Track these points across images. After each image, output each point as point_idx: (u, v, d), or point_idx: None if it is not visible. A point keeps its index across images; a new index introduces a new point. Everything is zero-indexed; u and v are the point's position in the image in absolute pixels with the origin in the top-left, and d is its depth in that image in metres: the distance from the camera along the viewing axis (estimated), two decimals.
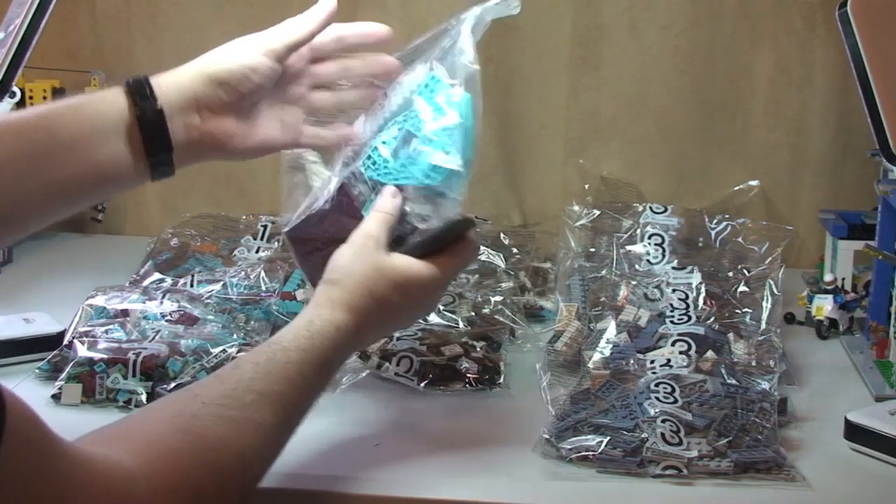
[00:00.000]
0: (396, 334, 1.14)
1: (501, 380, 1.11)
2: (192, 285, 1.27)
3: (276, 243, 1.37)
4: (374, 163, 0.97)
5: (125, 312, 1.18)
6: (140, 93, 0.91)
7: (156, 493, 0.69)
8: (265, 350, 0.84)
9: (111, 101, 0.91)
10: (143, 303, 1.20)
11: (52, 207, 0.92)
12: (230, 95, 0.94)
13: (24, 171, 0.87)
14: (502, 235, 1.41)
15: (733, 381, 1.02)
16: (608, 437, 0.94)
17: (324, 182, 1.01)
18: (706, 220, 1.30)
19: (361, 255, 0.91)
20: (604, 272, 1.24)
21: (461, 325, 1.17)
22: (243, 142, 0.97)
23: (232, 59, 0.95)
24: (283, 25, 0.99)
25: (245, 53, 0.96)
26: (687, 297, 1.16)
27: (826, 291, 1.28)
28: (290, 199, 1.02)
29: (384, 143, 0.98)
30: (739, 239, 1.28)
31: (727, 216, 1.31)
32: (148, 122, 0.91)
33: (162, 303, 1.20)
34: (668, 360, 1.05)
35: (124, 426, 0.76)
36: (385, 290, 0.90)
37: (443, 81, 0.99)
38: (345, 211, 0.97)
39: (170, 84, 0.93)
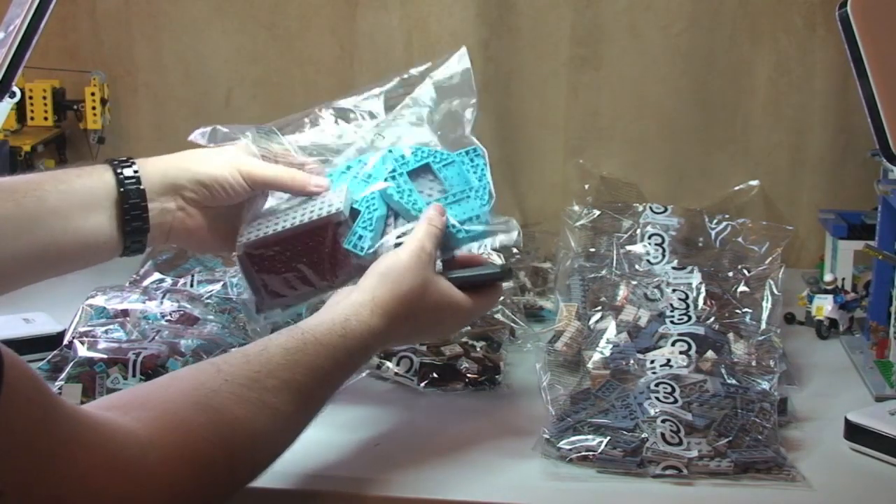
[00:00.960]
0: None
1: (501, 380, 1.11)
2: (192, 285, 1.27)
3: None
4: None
5: (125, 312, 1.18)
6: (125, 173, 0.98)
7: (164, 461, 0.69)
8: (297, 337, 0.84)
9: (99, 177, 0.97)
10: (143, 303, 1.20)
11: (28, 272, 0.96)
12: (204, 197, 1.01)
13: (10, 233, 0.91)
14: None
15: (733, 381, 1.02)
16: (608, 437, 0.94)
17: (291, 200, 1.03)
18: (706, 220, 1.30)
19: (416, 266, 0.93)
20: (604, 272, 1.24)
21: None
22: (211, 237, 1.03)
23: (218, 169, 1.01)
24: (273, 167, 1.04)
25: (230, 169, 1.01)
26: (687, 297, 1.16)
27: (826, 291, 1.28)
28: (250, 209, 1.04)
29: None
30: (739, 239, 1.28)
31: (727, 216, 1.31)
32: (130, 200, 0.97)
33: (162, 303, 1.20)
34: (668, 360, 1.05)
35: (143, 393, 0.77)
36: (426, 307, 0.93)
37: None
38: (320, 240, 0.99)
39: (155, 169, 1.00)
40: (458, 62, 1.09)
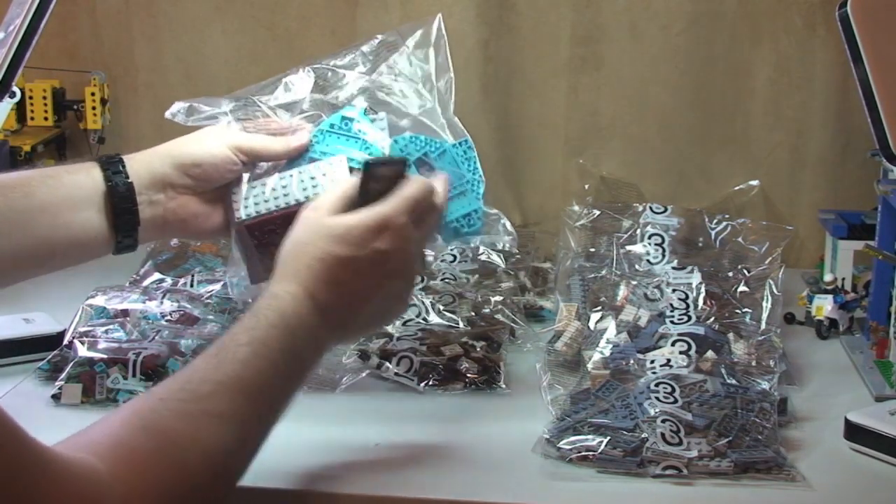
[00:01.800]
0: (396, 333, 1.14)
1: (501, 380, 1.11)
2: (192, 285, 1.27)
3: None
4: None
5: (125, 312, 1.18)
6: (113, 168, 0.98)
7: (128, 496, 0.68)
8: (216, 343, 0.82)
9: (87, 173, 0.97)
10: (143, 303, 1.20)
11: (21, 269, 0.96)
12: (195, 181, 1.00)
13: (1, 231, 0.91)
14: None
15: (733, 381, 1.02)
16: (608, 437, 0.94)
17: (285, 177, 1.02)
18: (706, 220, 1.30)
19: (301, 227, 0.88)
20: (604, 272, 1.24)
21: (461, 325, 1.17)
22: (205, 222, 1.02)
23: (201, 150, 1.00)
24: (258, 137, 1.03)
25: (214, 146, 1.00)
26: (687, 297, 1.16)
27: (826, 291, 1.28)
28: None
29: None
30: (739, 239, 1.27)
31: (727, 216, 1.31)
32: (118, 194, 0.97)
33: (162, 303, 1.20)
34: (668, 360, 1.05)
35: (93, 430, 0.75)
36: (326, 245, 0.85)
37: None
38: None
39: (141, 163, 1.00)
40: (434, 30, 1.09)
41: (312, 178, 1.00)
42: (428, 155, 1.03)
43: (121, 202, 0.97)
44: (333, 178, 0.99)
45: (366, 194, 0.89)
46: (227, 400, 0.77)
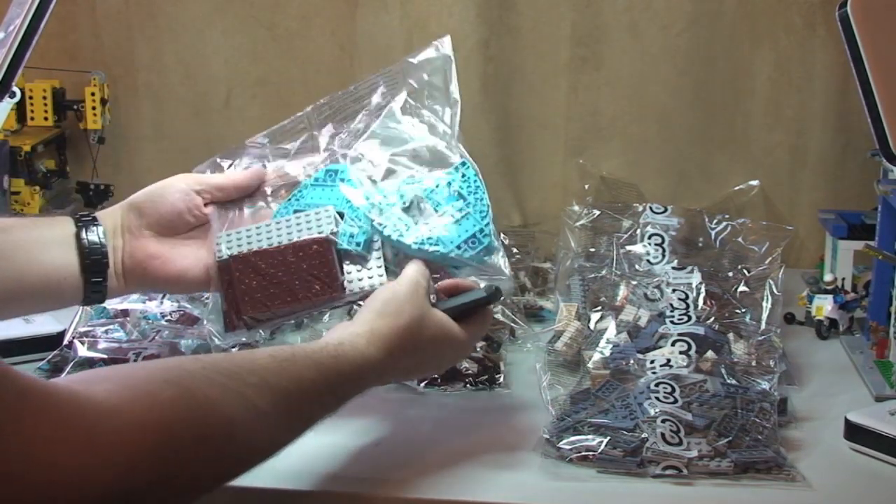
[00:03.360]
0: None
1: (501, 380, 1.11)
2: None
3: None
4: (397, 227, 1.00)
5: (125, 312, 1.18)
6: (83, 217, 0.99)
7: (124, 429, 0.64)
8: (288, 349, 0.84)
9: (60, 219, 0.99)
10: (143, 303, 1.20)
11: None
12: (146, 215, 1.01)
13: None
14: (502, 235, 1.41)
15: (733, 381, 1.02)
16: (608, 437, 0.94)
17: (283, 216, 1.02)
18: (706, 220, 1.30)
19: (415, 298, 0.92)
20: (604, 272, 1.24)
21: None
22: (164, 265, 1.00)
23: (157, 188, 1.02)
24: (216, 175, 1.06)
25: (164, 181, 1.03)
26: (687, 297, 1.16)
27: (826, 291, 1.28)
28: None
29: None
30: (739, 239, 1.28)
31: (727, 216, 1.31)
32: (89, 241, 0.97)
33: (162, 303, 1.20)
34: (668, 360, 1.05)
35: (111, 369, 0.74)
36: (425, 340, 0.92)
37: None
38: (306, 256, 0.98)
39: (105, 216, 1.01)
40: (439, 52, 1.06)
41: (297, 225, 1.00)
42: (422, 196, 1.02)
43: (90, 249, 0.97)
44: (320, 226, 0.99)
45: (453, 308, 0.96)
46: (270, 401, 0.76)
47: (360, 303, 0.97)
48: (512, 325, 1.22)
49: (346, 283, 0.98)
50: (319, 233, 0.98)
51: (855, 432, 0.98)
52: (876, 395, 1.09)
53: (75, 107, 1.54)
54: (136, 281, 1.00)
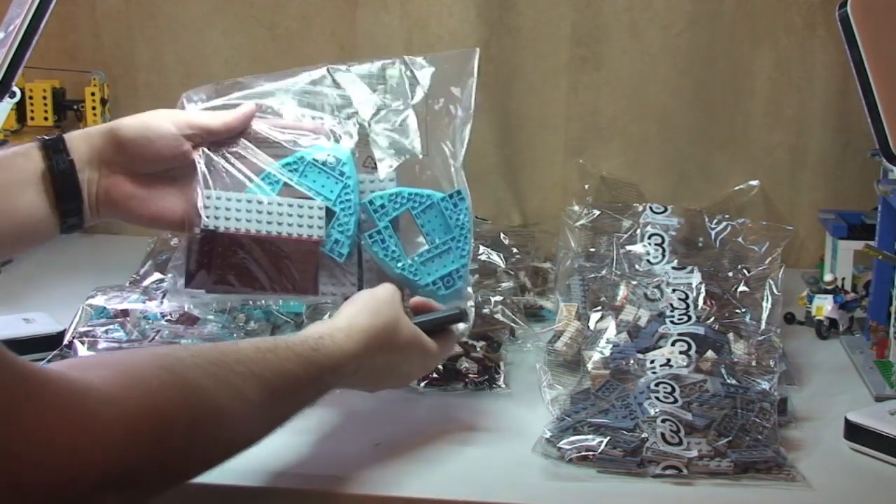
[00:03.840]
0: None
1: (501, 380, 1.11)
2: None
3: None
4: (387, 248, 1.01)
5: (125, 312, 1.18)
6: (53, 147, 0.96)
7: (122, 416, 0.66)
8: (270, 340, 0.85)
9: (27, 155, 0.95)
10: (143, 303, 1.20)
11: None
12: (130, 158, 0.97)
13: None
14: (502, 235, 1.41)
15: (733, 381, 1.02)
16: (608, 437, 0.94)
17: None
18: (706, 220, 1.30)
19: (392, 303, 0.94)
20: (604, 272, 1.24)
21: None
22: (139, 207, 0.98)
23: (137, 122, 0.99)
24: (204, 112, 1.02)
25: (152, 119, 0.99)
26: (687, 297, 1.16)
27: (826, 291, 1.28)
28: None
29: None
30: (739, 239, 1.28)
31: (727, 216, 1.31)
32: (59, 172, 0.95)
33: (162, 303, 1.20)
34: (668, 360, 1.05)
35: (107, 355, 0.76)
36: (399, 344, 0.93)
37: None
38: (299, 257, 0.99)
39: (81, 139, 0.97)
40: (466, 65, 1.05)
41: (289, 215, 0.99)
42: (411, 211, 1.02)
43: (61, 180, 0.95)
44: (310, 225, 0.99)
45: (423, 323, 0.98)
46: (255, 389, 0.78)
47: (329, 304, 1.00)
48: (512, 325, 1.22)
49: (320, 285, 1.00)
50: (309, 233, 0.99)
51: (855, 432, 0.98)
52: (876, 395, 1.09)
53: (75, 107, 1.55)
54: (109, 215, 0.99)
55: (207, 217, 0.98)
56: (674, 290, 1.17)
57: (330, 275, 1.01)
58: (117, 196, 0.98)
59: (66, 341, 1.13)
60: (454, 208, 1.03)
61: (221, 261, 0.98)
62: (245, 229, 0.98)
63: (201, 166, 0.99)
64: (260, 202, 0.99)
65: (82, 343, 1.10)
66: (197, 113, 1.02)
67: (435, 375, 1.10)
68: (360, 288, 1.00)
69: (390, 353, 0.93)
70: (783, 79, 1.48)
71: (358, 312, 0.92)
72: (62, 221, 0.96)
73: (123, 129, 0.98)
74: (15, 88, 1.14)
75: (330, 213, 1.00)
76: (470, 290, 1.04)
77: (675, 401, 0.98)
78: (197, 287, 0.99)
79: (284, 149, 1.02)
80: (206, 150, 1.00)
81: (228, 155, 1.01)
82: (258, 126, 1.03)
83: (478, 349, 1.14)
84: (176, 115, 1.00)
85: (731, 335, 1.11)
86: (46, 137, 0.96)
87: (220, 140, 1.01)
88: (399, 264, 1.01)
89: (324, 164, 1.02)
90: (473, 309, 1.03)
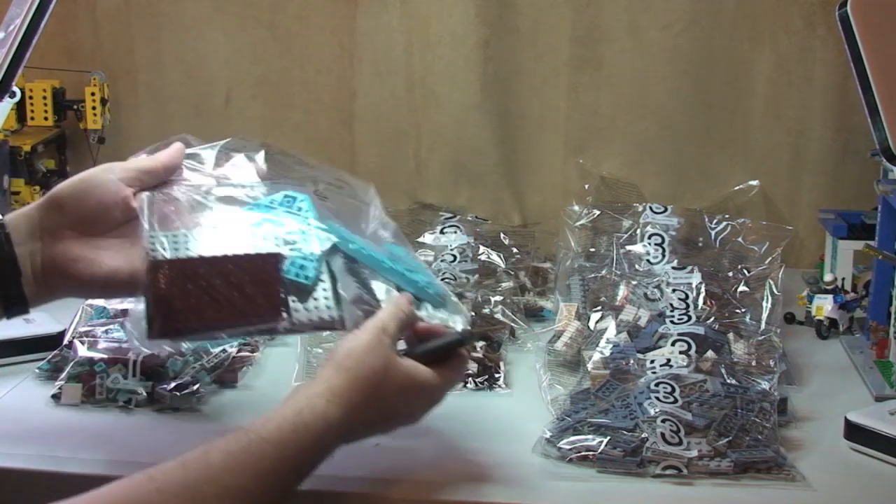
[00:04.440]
0: None
1: (501, 380, 1.11)
2: None
3: None
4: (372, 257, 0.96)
5: (125, 312, 1.18)
6: None
7: None
8: (241, 438, 0.78)
9: None
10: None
11: None
12: (69, 213, 0.92)
13: None
14: (502, 235, 1.41)
15: (733, 381, 1.02)
16: (608, 437, 0.94)
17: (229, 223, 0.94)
18: (706, 220, 1.30)
19: (376, 349, 0.87)
20: (604, 272, 1.24)
21: None
22: (88, 268, 0.91)
23: (73, 179, 0.93)
24: (141, 158, 0.97)
25: (88, 173, 0.94)
26: (687, 297, 1.16)
27: (826, 291, 1.28)
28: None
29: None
30: (739, 239, 1.28)
31: (727, 216, 1.31)
32: None
33: None
34: (668, 360, 1.05)
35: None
36: (390, 391, 0.87)
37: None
38: (260, 276, 0.90)
39: (18, 215, 0.92)
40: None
41: (244, 237, 0.92)
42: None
43: None
44: (263, 242, 0.92)
45: (424, 352, 0.92)
46: None
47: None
48: (512, 325, 1.22)
49: (292, 311, 0.90)
50: (266, 249, 0.92)
51: (855, 432, 0.98)
52: (876, 395, 1.09)
53: (75, 107, 1.55)
54: (59, 286, 0.92)
55: (154, 249, 0.89)
56: (674, 290, 1.17)
57: (301, 299, 0.91)
58: (64, 261, 0.91)
59: (66, 341, 1.13)
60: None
61: (176, 295, 0.88)
62: (197, 253, 0.90)
63: (144, 210, 0.92)
64: (212, 228, 0.92)
65: (82, 343, 1.10)
66: (132, 159, 0.97)
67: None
68: (338, 303, 0.92)
69: (381, 405, 0.86)
70: (783, 79, 1.48)
71: (336, 371, 0.85)
72: (5, 304, 0.91)
73: (60, 189, 0.92)
74: (15, 88, 1.14)
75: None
76: (464, 308, 1.00)
77: (675, 401, 0.98)
78: (159, 336, 0.88)
79: (223, 197, 0.97)
80: (148, 195, 0.94)
81: (170, 195, 0.96)
82: (190, 174, 0.98)
83: (478, 349, 1.14)
84: (112, 165, 0.95)
85: (731, 335, 1.12)
86: None
87: (158, 180, 0.95)
88: (388, 263, 0.96)
89: (280, 203, 0.97)
90: (470, 329, 0.99)
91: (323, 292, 0.92)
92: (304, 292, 0.91)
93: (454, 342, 0.94)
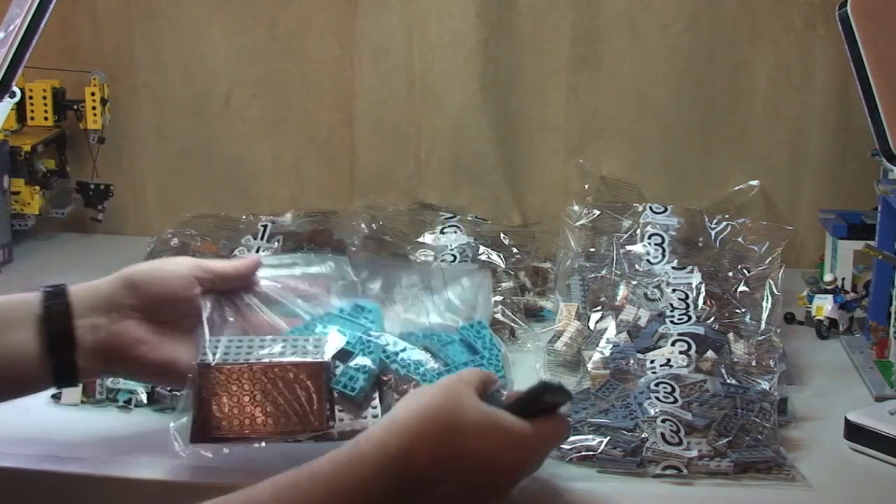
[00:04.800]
0: None
1: None
2: None
3: (276, 243, 1.37)
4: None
5: None
6: (52, 291, 0.92)
7: None
8: (290, 473, 0.73)
9: (24, 296, 0.91)
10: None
11: None
12: (142, 295, 0.93)
13: None
14: (502, 235, 1.41)
15: (733, 381, 1.02)
16: (608, 437, 0.94)
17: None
18: (706, 220, 1.30)
19: (450, 386, 0.77)
20: (604, 272, 1.24)
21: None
22: (151, 351, 0.92)
23: (150, 264, 0.96)
24: (218, 261, 0.98)
25: (164, 261, 0.97)
26: (687, 297, 1.16)
27: (826, 291, 1.28)
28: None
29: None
30: (739, 239, 1.28)
31: (727, 216, 1.31)
32: (53, 315, 0.90)
33: None
34: (668, 360, 1.05)
35: None
36: (463, 428, 0.74)
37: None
38: (307, 385, 0.89)
39: (86, 288, 0.93)
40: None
41: (293, 346, 0.91)
42: (429, 348, 0.97)
43: (54, 324, 0.90)
44: (314, 350, 0.91)
45: (519, 408, 0.80)
46: None
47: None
48: (512, 325, 1.22)
49: (336, 420, 0.88)
50: (314, 357, 0.90)
51: (855, 432, 0.98)
52: (876, 395, 1.09)
53: (75, 107, 1.55)
54: (116, 364, 0.93)
55: (204, 353, 0.90)
56: (674, 290, 1.17)
57: (348, 409, 0.89)
58: (127, 339, 0.91)
59: None
60: (476, 334, 0.99)
61: (218, 402, 0.88)
62: (244, 359, 0.89)
63: (207, 311, 0.94)
64: (263, 340, 0.92)
65: None
66: (207, 259, 0.99)
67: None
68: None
69: (458, 442, 0.73)
70: (783, 79, 1.48)
71: (404, 400, 0.78)
72: (55, 370, 0.91)
73: (136, 271, 0.94)
74: (15, 88, 1.14)
75: (345, 356, 0.92)
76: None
77: (675, 401, 0.98)
78: (199, 439, 0.88)
79: (287, 308, 0.98)
80: (213, 297, 0.96)
81: (236, 305, 0.97)
82: (265, 284, 0.99)
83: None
84: (188, 259, 0.97)
85: (731, 335, 1.12)
86: (47, 287, 0.93)
87: (229, 286, 0.97)
88: (420, 371, 0.92)
89: (349, 313, 0.97)
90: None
91: (372, 408, 0.90)
92: (352, 404, 0.89)
93: (536, 389, 0.82)
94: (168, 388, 1.03)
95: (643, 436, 0.94)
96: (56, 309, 0.91)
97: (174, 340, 0.94)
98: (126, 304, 0.92)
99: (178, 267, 0.95)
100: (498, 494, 0.77)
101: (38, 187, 1.50)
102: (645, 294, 1.18)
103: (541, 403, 0.81)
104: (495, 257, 1.34)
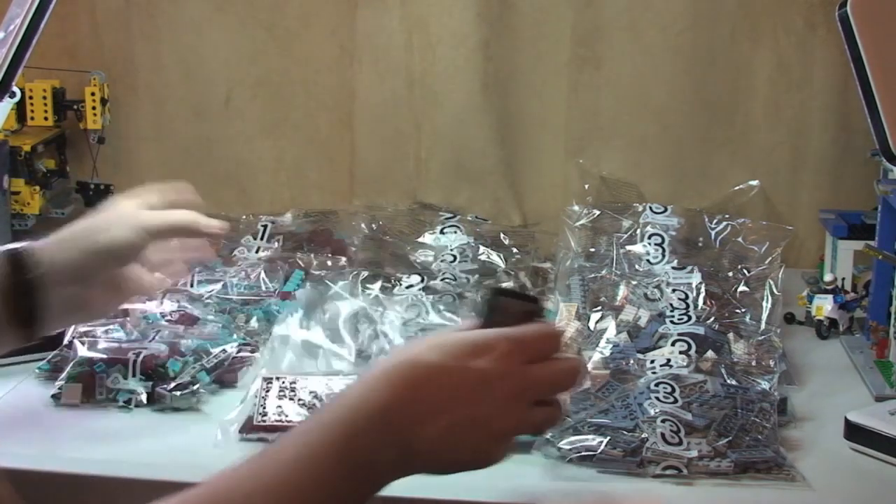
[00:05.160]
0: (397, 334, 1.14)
1: None
2: (192, 285, 1.27)
3: (276, 243, 1.37)
4: None
5: (125, 312, 1.18)
6: (16, 261, 0.91)
7: None
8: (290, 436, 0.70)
9: None
10: (143, 303, 1.20)
11: None
12: (102, 268, 0.95)
13: None
14: (502, 235, 1.41)
15: (733, 381, 1.02)
16: (608, 437, 0.94)
17: None
18: (706, 220, 1.30)
19: (443, 333, 0.75)
20: (604, 272, 1.24)
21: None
22: (104, 306, 0.99)
23: (108, 236, 0.95)
24: (170, 213, 0.98)
25: (122, 230, 0.95)
26: (687, 297, 1.16)
27: (826, 291, 1.28)
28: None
29: None
30: (739, 239, 1.28)
31: (727, 216, 1.31)
32: (21, 286, 0.90)
33: (162, 303, 1.20)
34: (668, 360, 1.05)
35: None
36: (418, 347, 0.71)
37: None
38: None
39: (61, 254, 0.93)
40: None
41: None
42: None
43: (21, 293, 0.91)
44: None
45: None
46: None
47: None
48: None
49: None
50: None
51: (855, 432, 0.98)
52: (876, 395, 1.09)
53: (75, 107, 1.54)
54: (80, 320, 1.02)
55: None
56: (674, 290, 1.17)
57: None
58: (92, 302, 0.96)
59: (66, 341, 1.13)
60: None
61: None
62: None
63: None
64: None
65: (82, 343, 1.10)
66: (159, 216, 0.98)
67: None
68: None
69: (418, 364, 0.70)
70: (783, 79, 1.48)
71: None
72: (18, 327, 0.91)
73: (99, 246, 0.94)
74: (15, 88, 1.14)
75: None
76: None
77: (675, 401, 0.98)
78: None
79: None
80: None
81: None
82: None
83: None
84: (142, 222, 0.97)
85: (731, 335, 1.12)
86: (11, 249, 0.93)
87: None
88: None
89: None
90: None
91: None
92: None
93: (489, 296, 0.74)
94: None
95: (643, 436, 0.94)
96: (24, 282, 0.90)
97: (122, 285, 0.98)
98: (97, 277, 0.95)
99: (129, 236, 0.95)
100: (493, 420, 0.72)
101: (38, 187, 1.50)
102: (645, 294, 1.18)
103: (505, 315, 0.73)
104: (495, 257, 1.34)
